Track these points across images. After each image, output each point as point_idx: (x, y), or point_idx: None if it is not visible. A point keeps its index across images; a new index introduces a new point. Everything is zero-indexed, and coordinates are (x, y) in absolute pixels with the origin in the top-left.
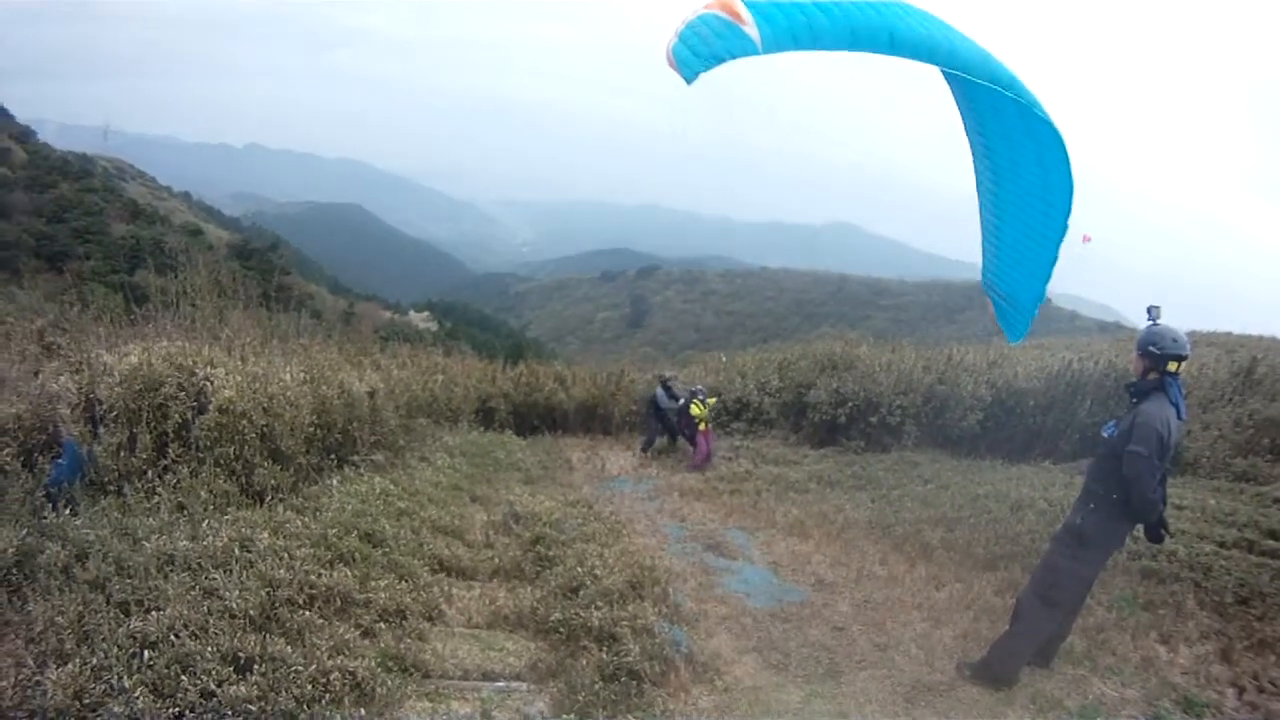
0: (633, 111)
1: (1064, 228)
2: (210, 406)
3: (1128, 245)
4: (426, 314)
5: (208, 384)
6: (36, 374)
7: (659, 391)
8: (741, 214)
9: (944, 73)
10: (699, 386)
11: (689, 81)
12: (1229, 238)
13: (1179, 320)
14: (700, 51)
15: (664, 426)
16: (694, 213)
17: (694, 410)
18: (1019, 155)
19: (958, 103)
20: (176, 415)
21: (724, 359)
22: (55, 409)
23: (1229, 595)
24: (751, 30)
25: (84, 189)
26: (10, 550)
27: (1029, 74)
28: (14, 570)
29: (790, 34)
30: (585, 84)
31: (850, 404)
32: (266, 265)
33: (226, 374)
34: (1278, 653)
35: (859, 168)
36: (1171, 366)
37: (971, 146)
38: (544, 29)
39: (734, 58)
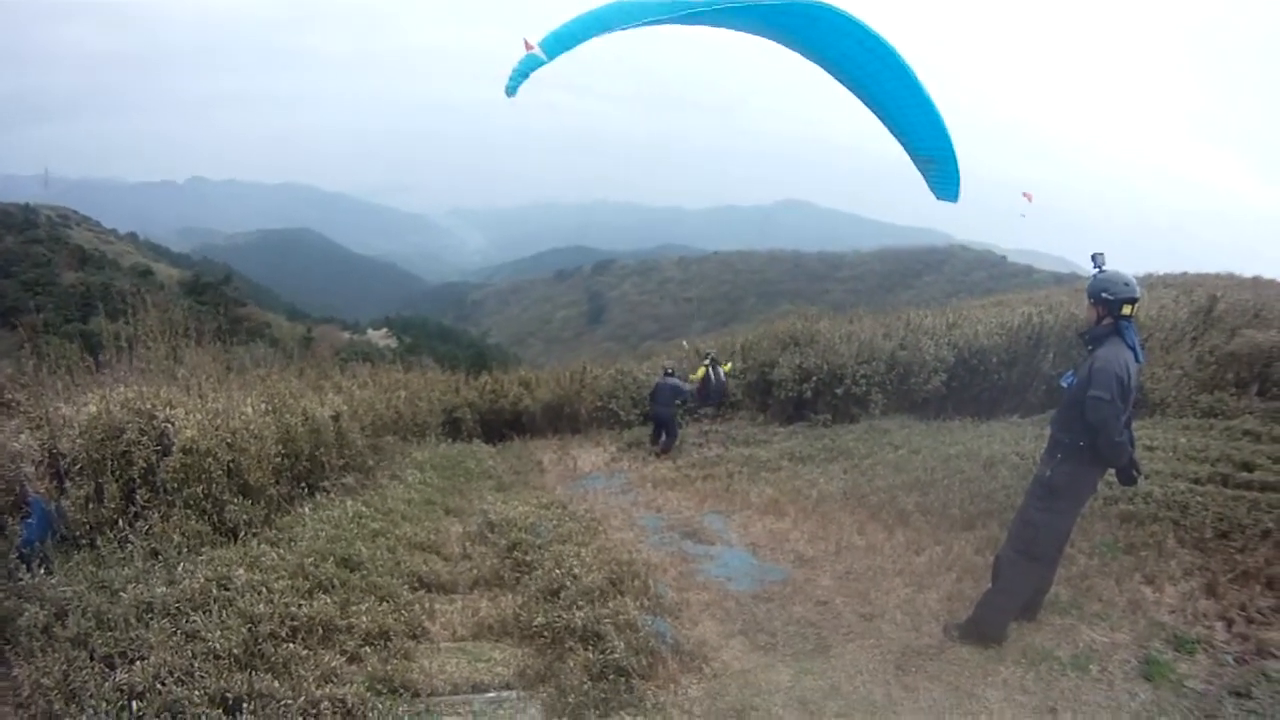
0: (576, 108)
1: (921, 88)
2: (174, 448)
3: (1078, 197)
4: (385, 331)
5: (169, 426)
6: None
7: (671, 380)
8: (693, 202)
9: (758, 24)
10: (711, 351)
11: (512, 94)
12: (1177, 182)
13: (1135, 265)
14: (515, 76)
15: (659, 421)
16: (645, 205)
17: (725, 369)
18: (849, 50)
19: (787, 43)
20: (141, 461)
21: (685, 345)
22: (19, 468)
23: (1208, 530)
24: (536, 50)
25: (29, 240)
26: None
27: (968, 34)
28: None
29: (564, 40)
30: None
31: (815, 378)
32: (220, 298)
33: (187, 414)
34: (1262, 582)
35: (803, 142)
36: (1125, 310)
37: (825, 70)
38: (477, 34)
39: (532, 70)
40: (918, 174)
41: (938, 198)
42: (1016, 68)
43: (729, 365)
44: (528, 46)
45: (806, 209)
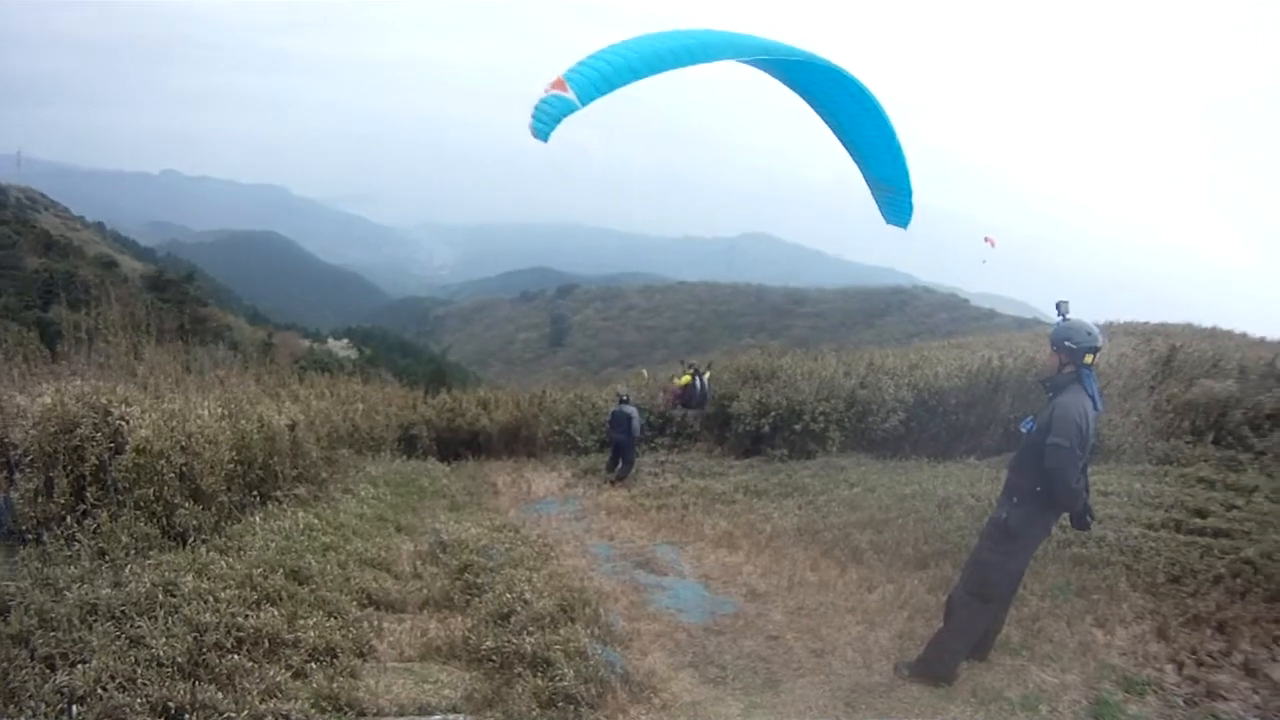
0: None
1: (889, 124)
2: (127, 447)
3: (1044, 244)
4: (346, 341)
5: (123, 423)
6: None
7: (627, 408)
8: (658, 230)
9: (759, 63)
10: (695, 363)
11: (545, 140)
12: (1139, 232)
13: (1097, 313)
14: (545, 120)
15: (617, 448)
16: (612, 230)
17: (706, 376)
18: (836, 95)
19: (780, 79)
20: (93, 457)
21: (645, 374)
22: None
23: (1160, 575)
24: (569, 94)
25: None
26: None
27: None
28: None
29: (597, 84)
30: (500, 102)
31: (773, 413)
32: (182, 297)
33: (142, 413)
34: (1213, 626)
35: (771, 176)
36: (1088, 359)
37: (809, 103)
38: (462, 47)
39: (565, 116)
40: (882, 214)
41: (888, 222)
42: (988, 115)
43: (709, 373)
44: (558, 84)
45: (770, 242)
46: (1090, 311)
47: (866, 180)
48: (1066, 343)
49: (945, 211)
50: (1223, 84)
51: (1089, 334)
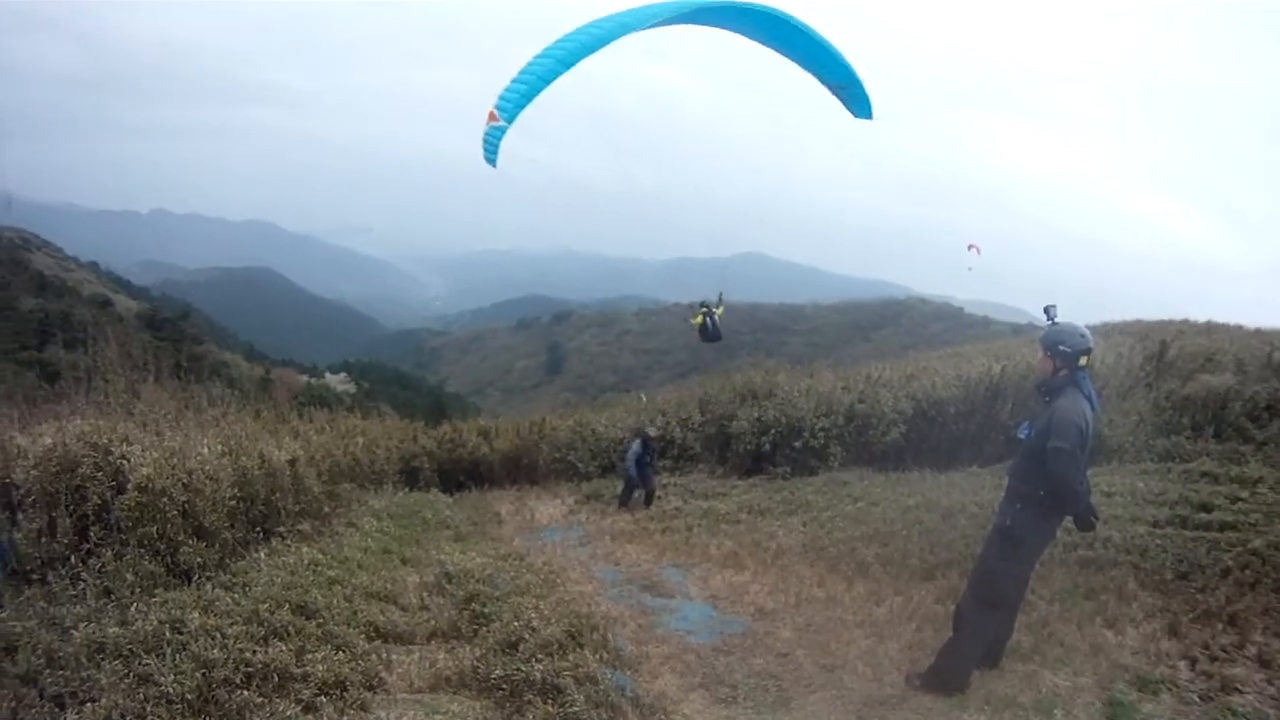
0: (538, 157)
1: (817, 36)
2: (129, 486)
3: (1034, 249)
4: (344, 375)
5: (124, 462)
6: None
7: (637, 446)
8: (651, 253)
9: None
10: (708, 302)
11: (493, 165)
12: (1132, 231)
13: (1091, 315)
14: (489, 149)
15: (630, 479)
16: (604, 255)
17: (718, 312)
18: (763, 25)
19: (718, 25)
20: (95, 497)
21: (643, 398)
22: None
23: (1168, 572)
24: (499, 121)
25: None
26: None
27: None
28: None
29: (517, 103)
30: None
31: (773, 431)
32: (178, 335)
33: (143, 451)
34: (1224, 620)
35: (764, 194)
36: (1082, 361)
37: (747, 36)
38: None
39: (500, 139)
40: (876, 225)
41: (856, 116)
42: (972, 124)
43: (721, 309)
44: (491, 118)
45: (764, 261)
46: (1086, 314)
47: (825, 85)
48: (1061, 346)
49: (936, 222)
50: (1209, 77)
51: (1081, 336)
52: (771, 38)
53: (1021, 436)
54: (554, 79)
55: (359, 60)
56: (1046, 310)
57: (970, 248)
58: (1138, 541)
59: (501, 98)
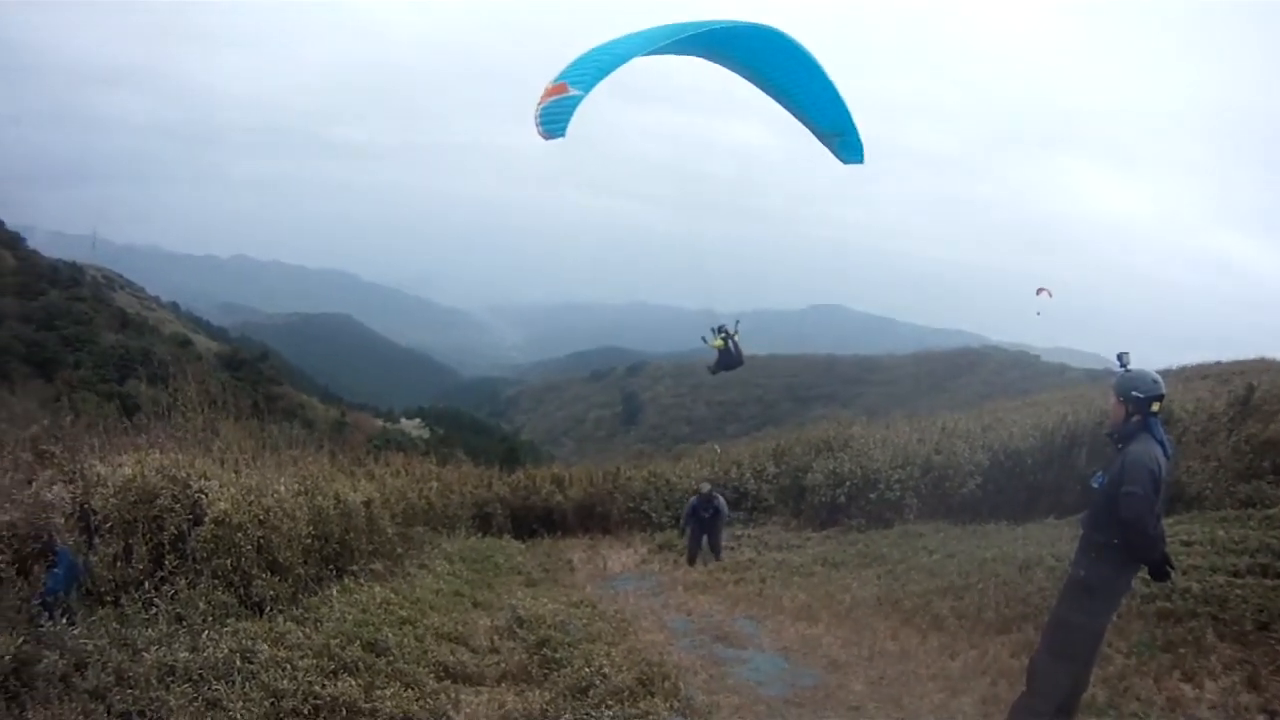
0: (611, 209)
1: (823, 71)
2: (206, 518)
3: (1109, 293)
4: (419, 421)
5: (202, 496)
6: (30, 482)
7: (692, 501)
8: (726, 305)
9: (709, 46)
10: (726, 326)
11: (562, 135)
12: (1202, 269)
13: (1164, 357)
14: (555, 120)
15: (696, 532)
16: (678, 307)
17: (735, 337)
18: (770, 57)
19: (727, 64)
20: (172, 527)
21: (717, 449)
22: (49, 518)
23: (1249, 623)
24: (573, 91)
25: (73, 297)
26: (7, 658)
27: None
28: (11, 678)
29: (596, 72)
30: (559, 186)
31: (848, 483)
32: (256, 376)
33: (221, 486)
34: None
35: (838, 245)
36: (1154, 407)
37: (745, 74)
38: (520, 133)
39: (574, 108)
40: (951, 275)
41: (845, 162)
42: (1047, 165)
43: (737, 335)
44: (560, 90)
45: (839, 312)
46: (1163, 357)
47: (814, 133)
48: (1133, 392)
49: (1010, 269)
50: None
51: (1154, 382)
52: (777, 72)
53: (1095, 485)
54: (630, 58)
55: (436, 117)
56: (1119, 357)
57: (1039, 291)
58: (1217, 592)
59: (572, 70)
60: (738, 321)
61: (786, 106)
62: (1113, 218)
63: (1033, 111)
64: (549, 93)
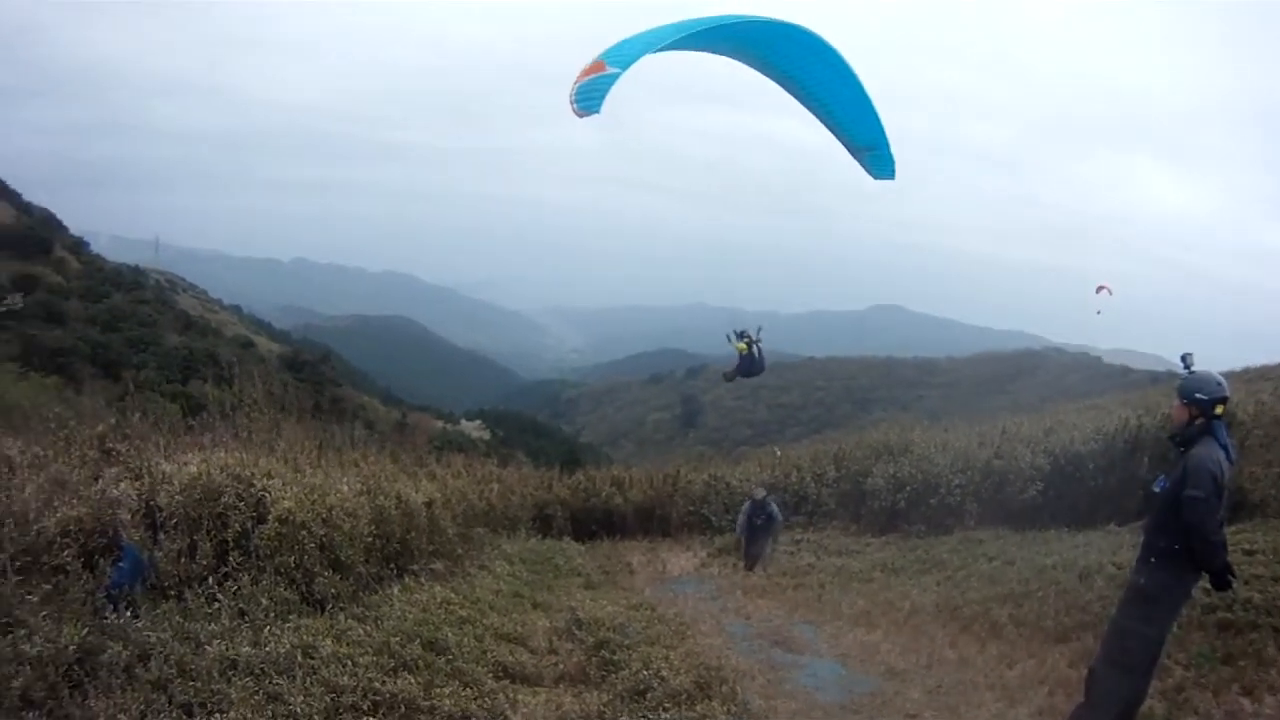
0: (667, 210)
1: (859, 82)
2: (269, 517)
3: (1173, 293)
4: (479, 423)
5: (266, 494)
6: (97, 478)
7: (746, 507)
8: (786, 307)
9: (742, 48)
10: (749, 330)
11: (598, 111)
12: (1275, 269)
13: (1230, 358)
14: (591, 96)
15: (750, 538)
16: (737, 309)
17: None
18: (806, 63)
19: (763, 69)
20: (236, 524)
21: (777, 452)
22: (115, 514)
23: None
24: (610, 69)
25: (137, 300)
26: (72, 647)
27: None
28: (76, 667)
29: (630, 55)
30: (617, 188)
31: (909, 488)
32: (318, 377)
33: (284, 485)
34: None
35: (893, 248)
36: (1218, 410)
37: (777, 79)
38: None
39: (611, 85)
40: (1010, 274)
41: (875, 178)
42: (1106, 163)
43: (760, 340)
44: (595, 68)
45: (899, 314)
46: (1229, 358)
47: (845, 146)
48: (1196, 395)
49: (1071, 269)
50: None
51: (1218, 384)
52: (811, 79)
53: (1156, 489)
54: (668, 41)
55: (493, 121)
56: (1183, 358)
57: (1099, 289)
58: (1279, 603)
59: (611, 50)
60: (760, 329)
61: (819, 116)
62: (1172, 214)
63: (1087, 105)
64: (586, 71)
